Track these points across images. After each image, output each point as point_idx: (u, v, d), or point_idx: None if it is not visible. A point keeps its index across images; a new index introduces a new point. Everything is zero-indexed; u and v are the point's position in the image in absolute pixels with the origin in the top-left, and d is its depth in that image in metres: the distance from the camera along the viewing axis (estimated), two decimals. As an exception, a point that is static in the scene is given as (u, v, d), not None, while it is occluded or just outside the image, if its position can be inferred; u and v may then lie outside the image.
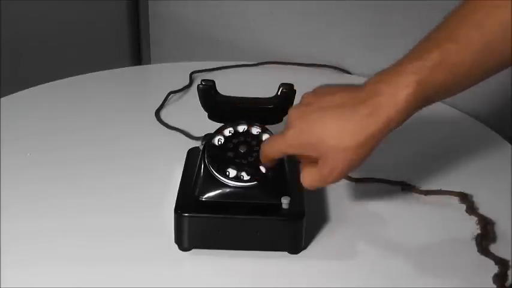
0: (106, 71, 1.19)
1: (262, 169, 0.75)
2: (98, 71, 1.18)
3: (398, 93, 0.64)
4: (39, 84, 1.12)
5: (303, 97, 0.72)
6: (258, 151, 0.76)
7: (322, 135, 0.67)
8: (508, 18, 0.63)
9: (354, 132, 0.66)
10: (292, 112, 0.70)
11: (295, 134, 0.69)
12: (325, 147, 0.66)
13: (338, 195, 0.85)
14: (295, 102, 0.75)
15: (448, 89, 0.66)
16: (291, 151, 0.70)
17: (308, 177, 0.70)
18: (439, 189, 0.85)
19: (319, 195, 0.84)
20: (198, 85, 0.77)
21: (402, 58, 0.67)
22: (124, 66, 1.28)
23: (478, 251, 0.75)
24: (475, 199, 0.84)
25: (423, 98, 0.65)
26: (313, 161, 0.69)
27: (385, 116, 0.65)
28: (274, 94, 0.78)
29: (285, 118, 0.75)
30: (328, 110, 0.67)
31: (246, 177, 0.75)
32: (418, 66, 0.64)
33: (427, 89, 0.64)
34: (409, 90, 0.64)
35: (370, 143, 0.66)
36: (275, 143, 0.71)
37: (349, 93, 0.68)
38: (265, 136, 0.77)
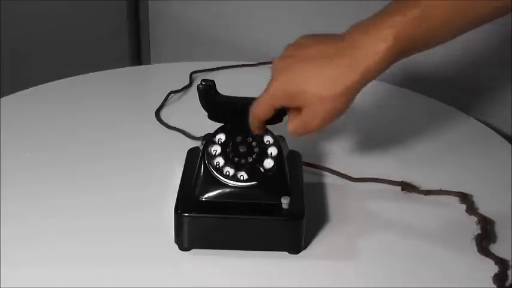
0: (106, 71, 1.19)
1: (266, 165, 0.75)
2: (98, 71, 1.18)
3: (376, 45, 0.67)
4: (39, 84, 1.12)
5: (285, 48, 0.74)
6: (258, 151, 0.76)
7: (304, 85, 0.69)
8: None
9: (333, 82, 0.68)
10: (275, 64, 0.73)
11: (279, 85, 0.71)
12: (306, 96, 0.69)
13: (338, 195, 0.85)
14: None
15: (425, 42, 0.68)
16: (277, 102, 0.72)
17: (292, 125, 0.73)
18: (439, 189, 0.85)
19: (319, 195, 0.84)
20: (198, 85, 0.77)
21: (381, 11, 0.69)
22: (124, 66, 1.28)
23: (478, 251, 0.75)
24: (475, 199, 0.84)
25: (401, 51, 0.67)
26: (299, 111, 0.71)
27: (363, 67, 0.68)
28: (274, 94, 0.78)
29: (285, 118, 0.75)
30: (309, 61, 0.70)
31: (246, 177, 0.75)
32: (397, 20, 0.67)
33: (405, 42, 0.67)
34: (387, 43, 0.67)
35: (348, 93, 0.69)
36: (261, 99, 0.73)
37: (330, 44, 0.70)
38: (265, 136, 0.77)
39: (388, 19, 0.67)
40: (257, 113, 0.74)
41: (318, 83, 0.69)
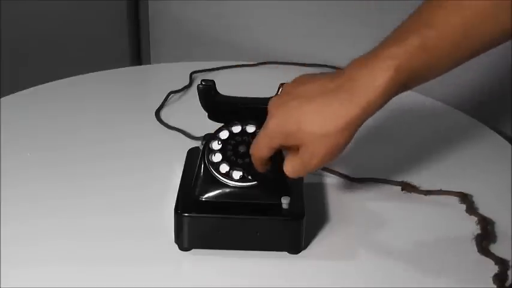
0: (106, 71, 1.19)
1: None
2: (98, 71, 1.18)
3: (376, 78, 0.65)
4: (39, 84, 1.12)
5: (282, 87, 0.72)
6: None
7: (302, 123, 0.67)
8: (484, 1, 0.64)
9: (333, 118, 0.66)
10: (271, 102, 0.70)
11: (276, 124, 0.68)
12: (305, 134, 0.67)
13: (338, 195, 0.85)
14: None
15: (425, 74, 0.67)
16: (275, 142, 0.70)
17: (290, 165, 0.70)
18: (439, 189, 0.85)
19: (319, 195, 0.84)
20: (198, 85, 0.77)
21: (380, 44, 0.67)
22: (124, 66, 1.28)
23: (478, 251, 0.75)
24: (475, 199, 0.84)
25: (401, 83, 0.65)
26: (297, 151, 0.69)
27: (364, 101, 0.65)
28: (274, 94, 0.78)
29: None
30: (308, 97, 0.67)
31: (246, 177, 0.75)
32: (396, 51, 0.65)
33: (405, 74, 0.65)
34: (387, 75, 0.64)
35: (350, 128, 0.66)
36: (259, 139, 0.71)
37: (328, 80, 0.68)
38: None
39: (388, 51, 0.65)
40: (256, 155, 0.72)
41: (316, 120, 0.66)
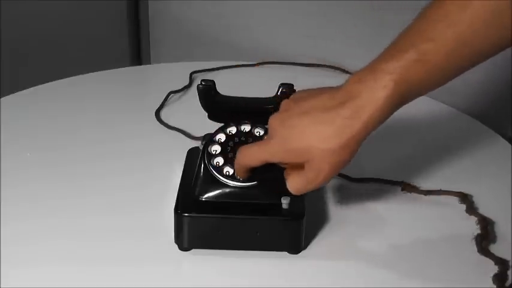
0: (106, 71, 1.19)
1: (263, 168, 0.75)
2: (98, 71, 1.18)
3: (376, 94, 0.65)
4: (39, 84, 1.12)
5: (282, 104, 0.72)
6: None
7: (305, 140, 0.67)
8: (480, 14, 0.65)
9: (336, 135, 0.66)
10: (272, 120, 0.70)
11: (278, 142, 0.69)
12: (309, 151, 0.67)
13: (338, 195, 0.85)
14: None
15: (424, 86, 0.67)
16: (274, 159, 0.70)
17: (294, 183, 0.70)
18: (439, 189, 0.85)
19: (319, 195, 0.84)
20: (198, 85, 0.77)
21: (378, 58, 0.68)
22: (124, 66, 1.28)
23: (478, 251, 0.75)
24: (475, 199, 0.84)
25: (401, 97, 0.66)
26: (297, 166, 0.69)
27: (365, 117, 0.66)
28: (274, 94, 0.78)
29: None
30: (309, 114, 0.68)
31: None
32: (395, 66, 0.65)
33: (404, 88, 0.66)
34: (387, 90, 0.65)
35: (352, 144, 0.67)
36: (254, 152, 0.71)
37: (328, 96, 0.68)
38: (265, 136, 0.77)
39: (386, 65, 0.66)
40: (244, 161, 0.72)
41: (320, 136, 0.66)
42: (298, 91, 0.73)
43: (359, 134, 0.66)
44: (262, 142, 0.70)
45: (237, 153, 0.73)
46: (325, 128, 0.67)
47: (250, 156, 0.71)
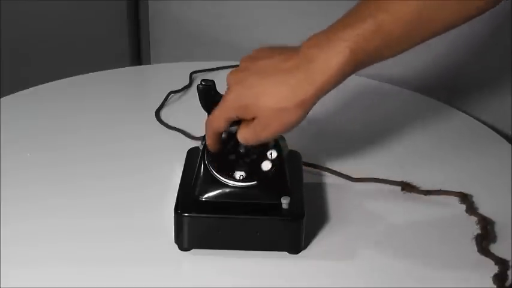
0: (106, 71, 1.19)
1: (264, 167, 0.75)
2: (98, 71, 1.18)
3: (331, 59, 0.67)
4: (39, 84, 1.12)
5: (241, 61, 0.74)
6: (257, 151, 0.76)
7: (259, 98, 0.69)
8: None
9: (290, 95, 0.68)
10: (230, 77, 0.73)
11: (233, 98, 0.71)
12: (261, 108, 0.69)
13: (338, 195, 0.85)
14: None
15: (379, 55, 0.69)
16: (230, 114, 0.72)
17: (242, 132, 0.73)
18: (439, 189, 0.85)
19: (319, 195, 0.84)
20: (198, 85, 0.77)
21: (335, 24, 0.69)
22: (124, 66, 1.28)
23: (478, 251, 0.75)
24: (475, 199, 0.84)
25: (357, 63, 0.68)
26: (251, 120, 0.71)
27: (319, 81, 0.68)
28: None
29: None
30: (264, 74, 0.70)
31: (246, 177, 0.75)
32: (351, 34, 0.67)
33: (360, 55, 0.67)
34: (341, 57, 0.67)
35: (303, 107, 0.69)
36: (216, 111, 0.73)
37: (284, 57, 0.70)
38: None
39: (343, 33, 0.67)
40: (212, 126, 0.74)
41: (272, 96, 0.69)
42: (259, 48, 0.75)
43: (311, 98, 0.68)
44: (221, 100, 0.73)
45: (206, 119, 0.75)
46: (279, 88, 0.69)
47: (213, 117, 0.73)
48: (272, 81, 0.69)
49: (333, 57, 0.67)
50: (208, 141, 0.75)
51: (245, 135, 0.73)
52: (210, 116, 0.74)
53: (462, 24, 0.68)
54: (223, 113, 0.72)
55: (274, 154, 0.76)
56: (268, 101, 0.69)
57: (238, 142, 0.77)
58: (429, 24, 0.68)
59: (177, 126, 0.99)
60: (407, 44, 0.69)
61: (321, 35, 0.69)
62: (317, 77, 0.68)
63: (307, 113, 0.70)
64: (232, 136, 0.77)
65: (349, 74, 0.68)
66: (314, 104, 0.69)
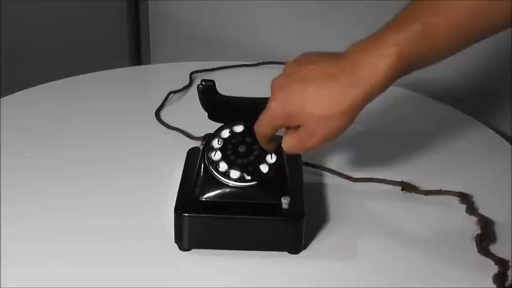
0: (106, 71, 1.19)
1: (263, 169, 0.75)
2: (98, 71, 1.18)
3: (378, 63, 0.66)
4: (39, 84, 1.12)
5: (285, 67, 0.73)
6: (257, 151, 0.76)
7: (304, 105, 0.68)
8: None
9: (336, 102, 0.67)
10: (274, 83, 0.71)
11: (278, 105, 0.70)
12: (307, 115, 0.68)
13: (338, 195, 0.85)
14: None
15: (427, 59, 0.68)
16: (276, 122, 0.71)
17: (288, 141, 0.72)
18: (439, 189, 0.85)
19: (319, 195, 0.84)
20: (198, 85, 0.77)
21: (383, 27, 0.68)
22: (124, 66, 1.28)
23: (478, 251, 0.75)
24: (475, 199, 0.84)
25: (403, 68, 0.66)
26: (296, 129, 0.70)
27: (366, 86, 0.66)
28: (274, 94, 0.78)
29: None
30: (310, 80, 0.68)
31: (246, 177, 0.75)
32: (399, 37, 0.66)
33: (408, 59, 0.66)
34: (389, 61, 0.65)
35: (351, 112, 0.67)
36: (262, 117, 0.72)
37: (330, 62, 0.69)
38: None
39: (390, 36, 0.66)
40: (259, 132, 0.73)
41: (318, 102, 0.67)
42: (303, 53, 0.73)
43: (358, 103, 0.67)
44: (267, 106, 0.71)
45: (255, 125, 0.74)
46: (325, 94, 0.67)
47: (260, 123, 0.73)
48: (317, 87, 0.68)
49: (380, 61, 0.66)
50: (261, 144, 0.75)
51: (291, 144, 0.71)
52: (257, 123, 0.73)
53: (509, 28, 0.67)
54: (270, 120, 0.71)
55: (274, 157, 0.76)
56: (313, 108, 0.67)
57: (239, 142, 0.77)
58: (476, 26, 0.66)
59: (177, 126, 0.99)
60: (454, 49, 0.67)
61: (367, 39, 0.68)
62: (364, 81, 0.66)
63: (354, 120, 0.68)
64: (233, 135, 0.78)
65: (396, 78, 0.67)
66: (361, 109, 0.68)
